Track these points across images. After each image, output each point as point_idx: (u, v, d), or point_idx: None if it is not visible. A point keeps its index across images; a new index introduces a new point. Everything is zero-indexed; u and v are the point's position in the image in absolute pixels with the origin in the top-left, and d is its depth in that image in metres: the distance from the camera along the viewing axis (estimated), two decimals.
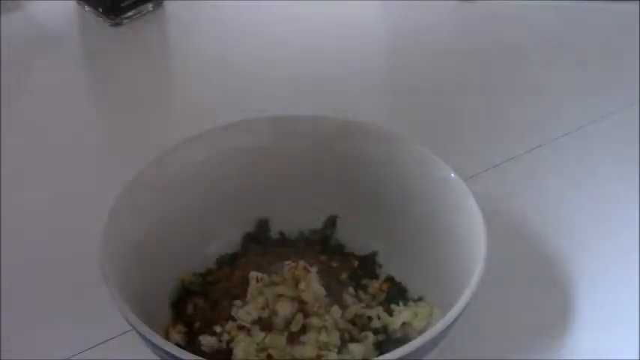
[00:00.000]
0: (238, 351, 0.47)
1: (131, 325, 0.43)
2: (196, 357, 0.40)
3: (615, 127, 0.68)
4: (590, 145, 0.66)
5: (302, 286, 0.49)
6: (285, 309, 0.48)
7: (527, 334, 0.52)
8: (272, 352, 0.46)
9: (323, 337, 0.47)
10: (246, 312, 0.48)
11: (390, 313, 0.50)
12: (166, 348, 0.41)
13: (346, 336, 0.48)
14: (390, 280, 0.53)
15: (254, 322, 0.48)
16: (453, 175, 0.50)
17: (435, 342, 0.42)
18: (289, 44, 0.76)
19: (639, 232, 0.58)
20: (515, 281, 0.55)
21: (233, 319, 0.49)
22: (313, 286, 0.49)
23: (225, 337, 0.48)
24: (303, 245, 0.55)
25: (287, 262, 0.51)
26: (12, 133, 0.67)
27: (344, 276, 0.52)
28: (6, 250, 0.57)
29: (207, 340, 0.48)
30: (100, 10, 0.79)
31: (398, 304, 0.50)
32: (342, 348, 0.47)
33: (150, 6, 0.80)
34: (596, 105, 0.70)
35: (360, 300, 0.51)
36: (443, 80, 0.73)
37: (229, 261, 0.54)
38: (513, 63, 0.75)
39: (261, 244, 0.55)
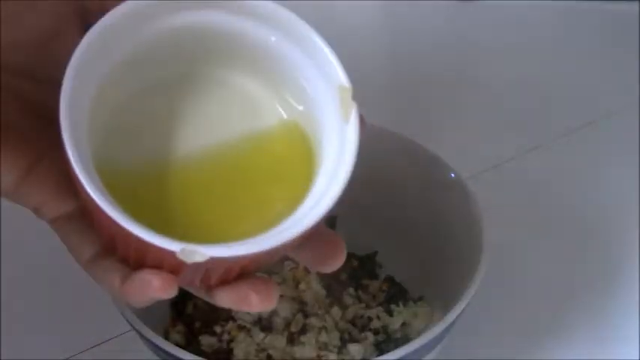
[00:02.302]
0: (238, 351, 0.47)
1: (131, 325, 0.43)
2: (196, 357, 0.40)
3: (615, 127, 0.68)
4: (590, 145, 0.66)
5: (302, 286, 0.49)
6: (285, 309, 0.48)
7: (527, 334, 0.52)
8: (272, 352, 0.46)
9: (323, 337, 0.47)
10: (246, 312, 0.48)
11: (390, 313, 0.50)
12: (166, 348, 0.41)
13: (346, 336, 0.48)
14: (390, 280, 0.53)
15: (254, 323, 0.48)
16: (453, 175, 0.50)
17: (435, 342, 0.42)
18: None
19: (639, 231, 0.58)
20: (515, 281, 0.55)
21: (233, 319, 0.49)
22: (313, 287, 0.49)
23: (225, 337, 0.48)
24: None
25: (287, 263, 0.51)
26: None
27: (344, 276, 0.52)
28: (6, 250, 0.57)
29: (207, 340, 0.48)
30: None
31: (398, 305, 0.50)
32: (341, 348, 0.47)
33: None
34: (596, 105, 0.70)
35: (360, 300, 0.51)
36: (443, 80, 0.73)
37: None
38: (513, 63, 0.75)
39: None
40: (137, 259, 0.32)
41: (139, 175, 0.34)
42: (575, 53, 0.76)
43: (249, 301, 0.32)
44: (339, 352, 0.47)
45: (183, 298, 0.52)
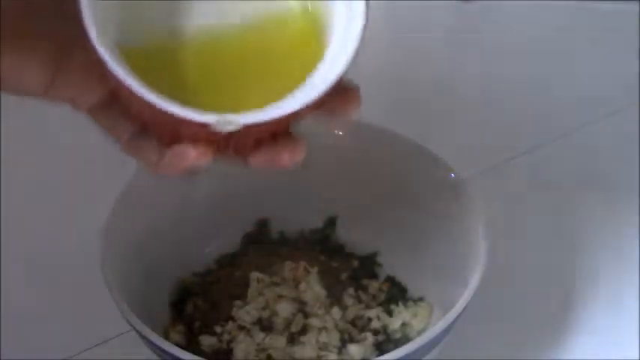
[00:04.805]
0: (238, 351, 0.47)
1: (131, 325, 0.43)
2: (196, 357, 0.40)
3: (615, 127, 0.68)
4: (590, 145, 0.66)
5: (302, 286, 0.49)
6: (285, 310, 0.48)
7: (527, 334, 0.52)
8: (272, 352, 0.46)
9: (323, 337, 0.47)
10: (246, 312, 0.48)
11: (390, 313, 0.50)
12: (166, 348, 0.41)
13: (346, 337, 0.48)
14: (390, 280, 0.53)
15: (254, 323, 0.48)
16: (452, 175, 0.50)
17: (434, 342, 0.42)
18: None
19: (639, 231, 0.58)
20: (515, 282, 0.55)
21: (233, 319, 0.49)
22: (314, 287, 0.49)
23: (225, 337, 0.48)
24: (303, 245, 0.55)
25: (287, 263, 0.51)
26: (12, 132, 0.67)
27: (344, 276, 0.52)
28: (6, 250, 0.57)
29: (207, 340, 0.48)
30: None
31: (398, 305, 0.51)
32: (341, 349, 0.47)
33: None
34: (596, 105, 0.70)
35: (360, 300, 0.51)
36: (443, 80, 0.73)
37: (229, 261, 0.54)
38: (513, 63, 0.75)
39: (261, 244, 0.55)
40: (171, 134, 0.33)
41: (159, 51, 0.35)
42: (576, 53, 0.76)
43: (281, 159, 0.34)
44: (339, 353, 0.47)
45: (183, 298, 0.52)
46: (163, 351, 0.41)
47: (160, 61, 0.35)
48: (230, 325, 0.48)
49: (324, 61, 0.35)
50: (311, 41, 0.37)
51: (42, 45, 0.33)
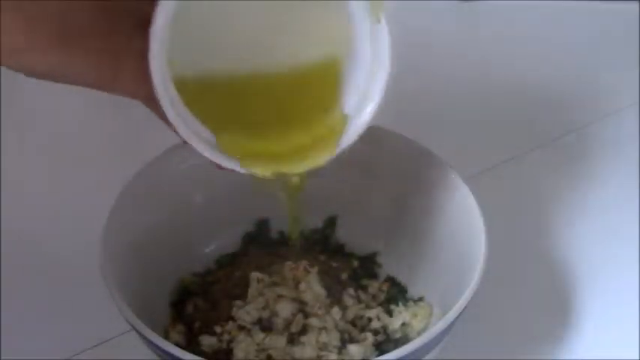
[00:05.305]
0: (238, 351, 0.47)
1: (131, 325, 0.43)
2: (196, 357, 0.40)
3: (615, 127, 0.68)
4: (590, 145, 0.66)
5: (302, 286, 0.49)
6: (285, 310, 0.48)
7: (527, 334, 0.52)
8: (272, 352, 0.46)
9: (323, 337, 0.47)
10: (246, 312, 0.48)
11: (390, 313, 0.50)
12: (166, 348, 0.41)
13: (346, 337, 0.48)
14: (390, 280, 0.53)
15: (254, 323, 0.48)
16: (453, 175, 0.50)
17: (434, 342, 0.42)
18: None
19: (639, 232, 0.58)
20: (515, 281, 0.55)
21: (233, 319, 0.49)
22: (314, 287, 0.49)
23: (225, 337, 0.48)
24: (303, 245, 0.55)
25: (287, 263, 0.51)
26: (12, 132, 0.67)
27: (344, 276, 0.52)
28: (6, 250, 0.57)
29: (207, 340, 0.48)
30: None
31: (398, 305, 0.51)
32: (341, 349, 0.47)
33: None
34: (596, 105, 0.70)
35: (360, 300, 0.51)
36: (443, 80, 0.73)
37: (229, 261, 0.54)
38: (513, 63, 0.75)
39: (261, 244, 0.55)
40: None
41: (212, 78, 0.39)
42: (576, 53, 0.76)
43: None
44: (339, 353, 0.47)
45: (183, 298, 0.52)
46: (163, 351, 0.41)
47: (210, 85, 0.39)
48: (230, 325, 0.48)
49: (351, 90, 0.43)
50: (331, 85, 0.43)
51: (100, 44, 0.36)
